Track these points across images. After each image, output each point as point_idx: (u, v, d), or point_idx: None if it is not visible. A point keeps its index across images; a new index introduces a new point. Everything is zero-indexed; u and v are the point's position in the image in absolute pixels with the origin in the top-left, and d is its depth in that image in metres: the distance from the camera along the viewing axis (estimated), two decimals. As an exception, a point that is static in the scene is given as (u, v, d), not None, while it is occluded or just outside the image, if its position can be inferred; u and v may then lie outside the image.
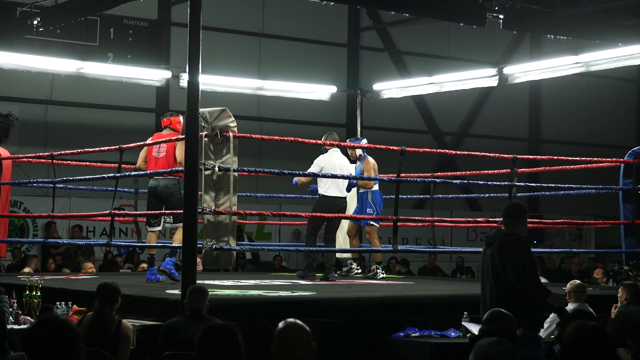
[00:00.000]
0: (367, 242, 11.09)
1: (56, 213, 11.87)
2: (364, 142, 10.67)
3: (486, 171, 11.70)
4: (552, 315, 7.50)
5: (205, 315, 6.16)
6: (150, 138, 9.58)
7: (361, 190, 10.77)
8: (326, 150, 10.17)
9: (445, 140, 20.69)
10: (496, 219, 12.57)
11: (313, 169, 9.99)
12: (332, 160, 10.05)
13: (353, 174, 10.23)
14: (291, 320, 3.72)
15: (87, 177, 10.48)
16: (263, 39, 18.54)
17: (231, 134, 7.90)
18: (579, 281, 8.09)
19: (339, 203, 10.07)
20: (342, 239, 11.74)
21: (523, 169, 12.46)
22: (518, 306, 5.93)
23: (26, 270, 12.33)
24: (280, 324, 3.71)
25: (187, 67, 7.16)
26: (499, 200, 13.11)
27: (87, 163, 11.83)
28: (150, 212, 9.35)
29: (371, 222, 10.69)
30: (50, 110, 16.40)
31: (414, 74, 17.99)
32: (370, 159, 10.78)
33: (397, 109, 18.71)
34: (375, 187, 10.72)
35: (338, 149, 10.27)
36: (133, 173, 10.05)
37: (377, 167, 10.78)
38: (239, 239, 11.20)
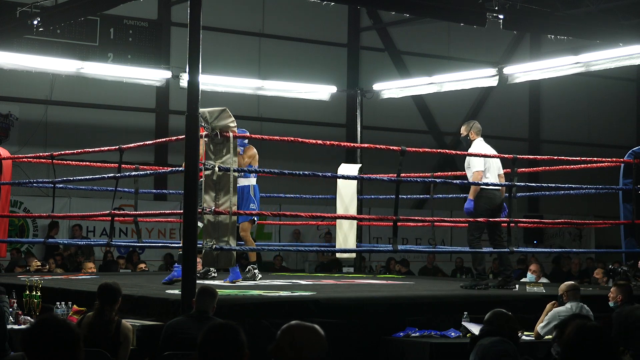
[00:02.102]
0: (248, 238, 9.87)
1: (56, 213, 11.87)
2: (247, 132, 9.43)
3: (486, 171, 11.65)
4: (550, 314, 7.51)
5: (211, 317, 6.11)
6: None
7: (241, 184, 9.50)
8: (469, 141, 9.76)
9: (445, 140, 20.68)
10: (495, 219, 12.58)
11: (479, 162, 9.49)
12: (487, 153, 9.59)
13: (499, 164, 9.72)
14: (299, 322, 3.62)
15: (87, 177, 10.47)
16: (263, 39, 18.54)
17: (231, 134, 7.89)
18: (571, 281, 8.18)
19: (500, 196, 9.60)
20: (341, 239, 11.71)
21: (523, 169, 12.44)
22: None
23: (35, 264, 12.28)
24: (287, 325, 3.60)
25: (187, 67, 7.15)
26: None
27: (87, 163, 11.82)
28: (146, 212, 9.33)
29: (255, 219, 9.81)
30: (50, 110, 16.40)
31: (414, 74, 17.97)
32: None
33: (397, 109, 18.69)
34: (254, 181, 9.83)
35: (482, 139, 9.84)
36: (133, 173, 10.06)
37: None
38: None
